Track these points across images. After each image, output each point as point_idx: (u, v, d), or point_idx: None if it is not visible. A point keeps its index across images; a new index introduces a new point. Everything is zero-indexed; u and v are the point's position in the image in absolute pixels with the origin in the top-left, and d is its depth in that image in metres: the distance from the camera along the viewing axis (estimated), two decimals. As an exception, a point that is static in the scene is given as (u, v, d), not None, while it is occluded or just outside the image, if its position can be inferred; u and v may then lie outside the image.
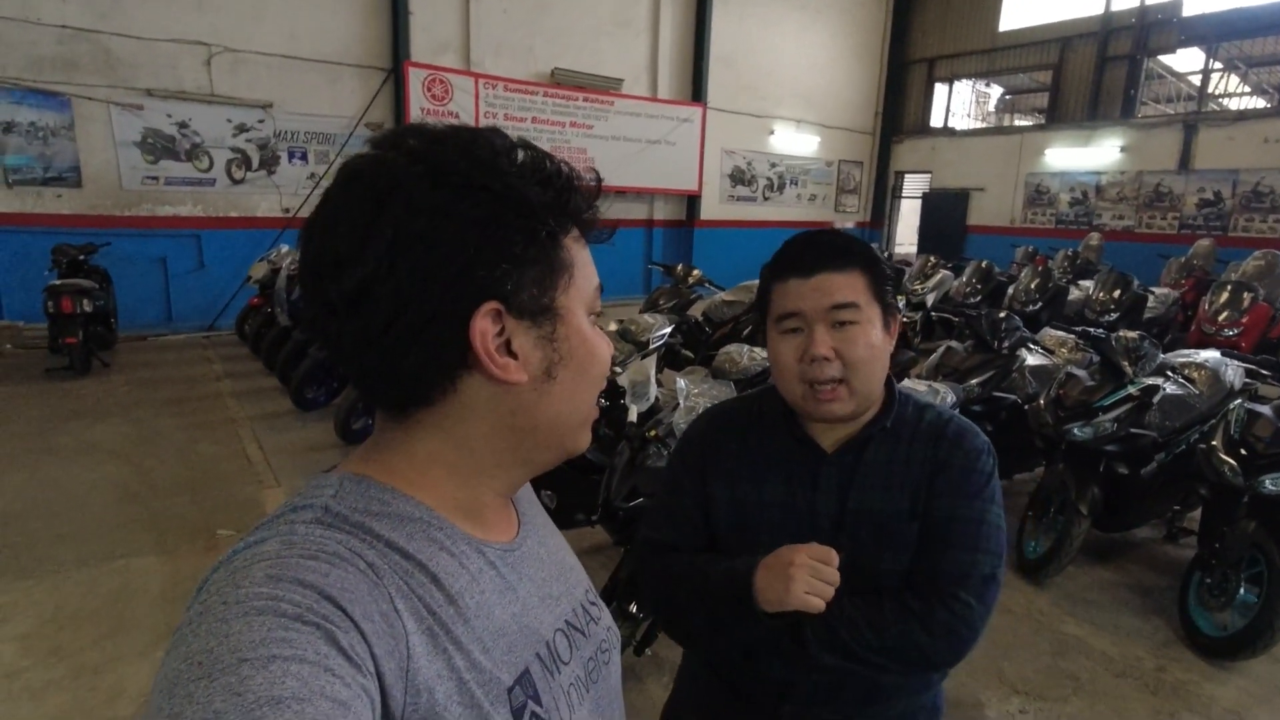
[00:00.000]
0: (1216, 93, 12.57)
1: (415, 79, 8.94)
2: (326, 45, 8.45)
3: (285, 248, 6.87)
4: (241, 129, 8.15)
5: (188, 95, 7.73)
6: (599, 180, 0.62)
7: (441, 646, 0.51)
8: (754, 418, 1.18)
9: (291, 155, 8.54)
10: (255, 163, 8.33)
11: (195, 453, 4.55)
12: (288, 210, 8.60)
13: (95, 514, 3.67)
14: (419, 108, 9.03)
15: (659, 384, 2.79)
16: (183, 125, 7.81)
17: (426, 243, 0.51)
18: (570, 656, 0.64)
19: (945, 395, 3.34)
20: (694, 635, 1.16)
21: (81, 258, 6.69)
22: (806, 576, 0.95)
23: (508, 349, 0.55)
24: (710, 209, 12.29)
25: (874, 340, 1.05)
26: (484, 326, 0.53)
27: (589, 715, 0.65)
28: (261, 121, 8.24)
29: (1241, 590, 2.89)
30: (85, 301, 6.03)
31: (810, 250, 1.08)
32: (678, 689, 1.30)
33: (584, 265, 0.60)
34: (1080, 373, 3.53)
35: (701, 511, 1.16)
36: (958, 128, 13.73)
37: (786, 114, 12.87)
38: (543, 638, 0.62)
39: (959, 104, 13.97)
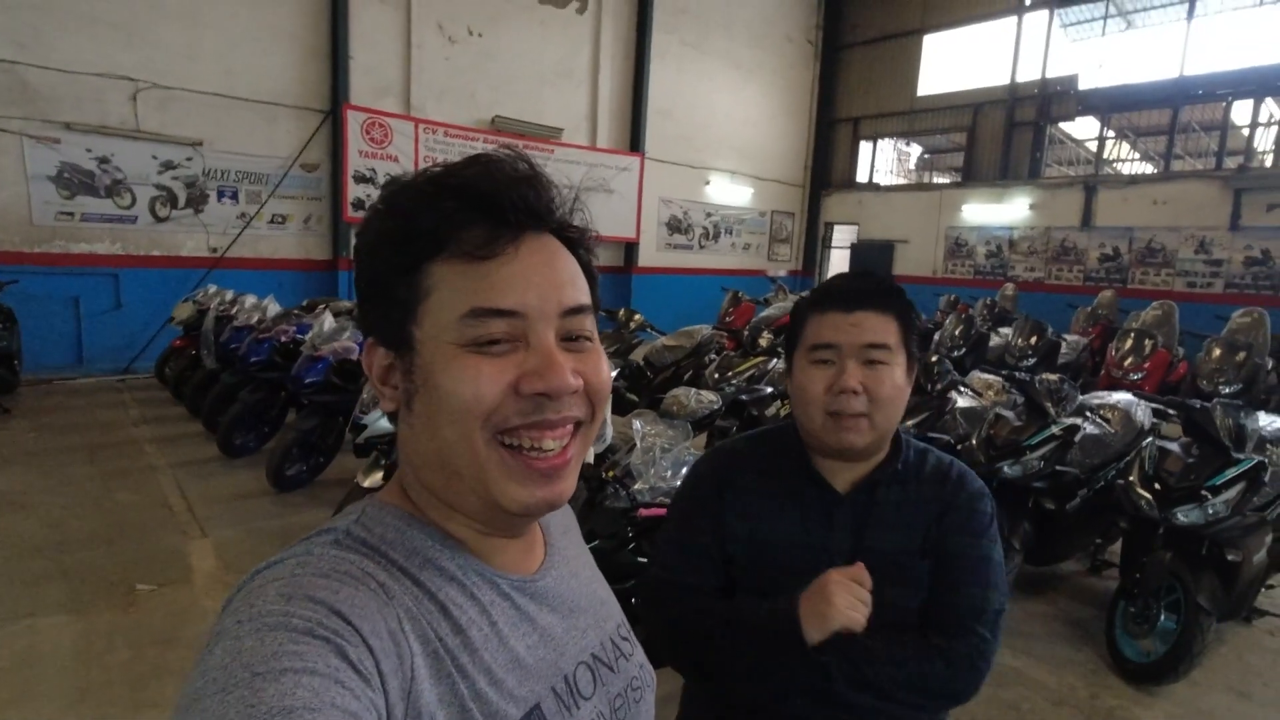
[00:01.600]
0: (1111, 158, 13.70)
1: (354, 121, 8.88)
2: (263, 85, 8.32)
3: (214, 288, 6.62)
4: (168, 166, 7.88)
5: (110, 130, 7.45)
6: (524, 175, 0.58)
7: (446, 673, 0.52)
8: (768, 457, 1.20)
9: (221, 194, 8.30)
10: (182, 201, 8.05)
11: (111, 502, 4.26)
12: (215, 250, 8.31)
13: (-4, 571, 3.38)
14: (357, 150, 8.96)
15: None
16: (103, 160, 7.50)
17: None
18: (593, 692, 0.63)
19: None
20: (725, 676, 1.12)
21: (-17, 296, 6.28)
22: (844, 593, 0.98)
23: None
24: (648, 256, 12.51)
25: (898, 381, 1.10)
26: (370, 358, 0.59)
27: None
28: (190, 159, 8.00)
29: (1162, 618, 3.06)
30: (-13, 342, 5.64)
31: (854, 288, 1.13)
32: None
33: (451, 291, 0.54)
34: (1008, 413, 3.72)
35: (719, 549, 1.16)
36: (882, 183, 14.49)
37: (722, 165, 13.33)
38: (562, 671, 0.61)
39: (882, 161, 14.76)
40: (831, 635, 0.98)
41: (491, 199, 0.55)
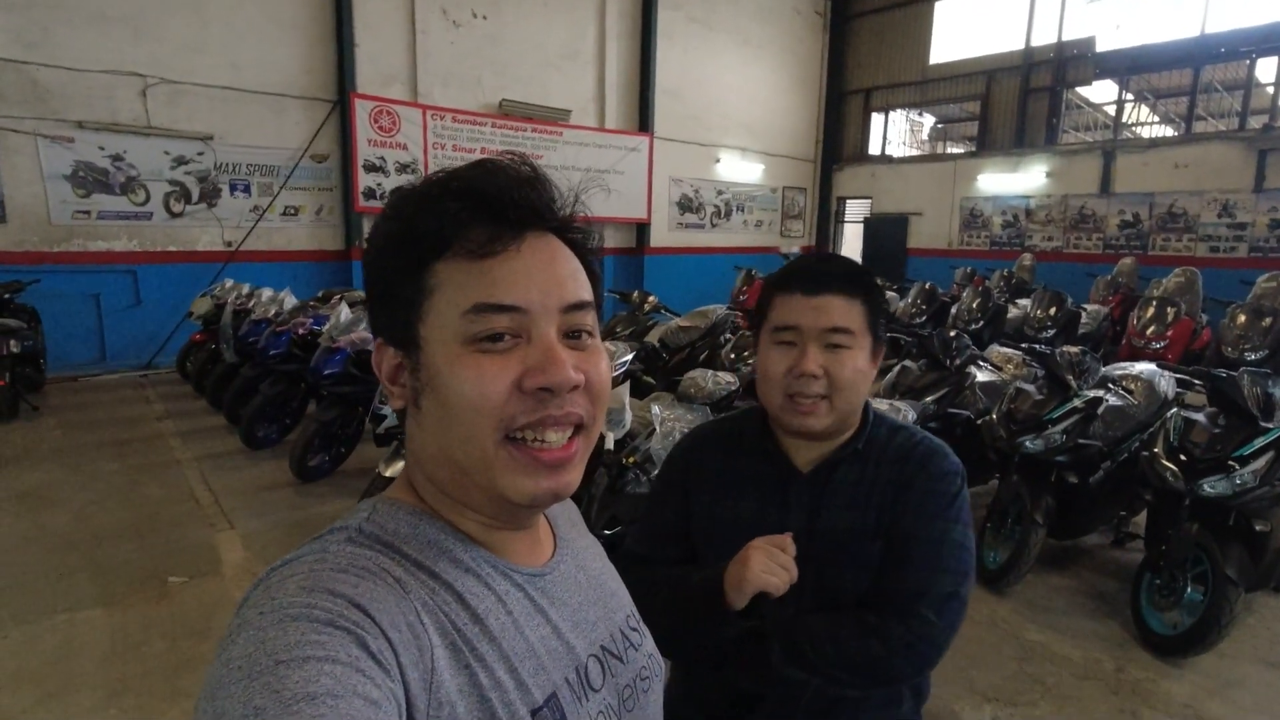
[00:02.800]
0: (1130, 122, 13.40)
1: (362, 110, 8.86)
2: (270, 77, 8.32)
3: (230, 282, 6.69)
4: (180, 161, 7.92)
5: (122, 127, 7.49)
6: (526, 177, 0.59)
7: (465, 662, 0.53)
8: (734, 438, 1.23)
9: (234, 188, 8.33)
10: (195, 195, 8.09)
11: (139, 497, 4.33)
12: (230, 244, 8.36)
13: (31, 566, 3.45)
14: (366, 139, 8.95)
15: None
16: (117, 158, 7.55)
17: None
18: (602, 683, 0.64)
19: (906, 413, 3.44)
20: (665, 640, 1.18)
21: (7, 296, 6.38)
22: (762, 557, 0.99)
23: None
24: (660, 236, 12.45)
25: (860, 365, 1.11)
26: (378, 356, 0.60)
27: None
28: (201, 154, 8.03)
29: (1189, 590, 3.04)
30: (12, 342, 5.73)
31: (819, 271, 1.13)
32: None
33: (455, 287, 0.55)
34: (1028, 387, 3.68)
35: (683, 525, 1.21)
36: (895, 155, 14.28)
37: (731, 143, 13.19)
38: (574, 663, 0.62)
39: (895, 133, 14.54)
40: (753, 601, 0.99)
41: (494, 199, 0.56)
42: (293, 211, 8.79)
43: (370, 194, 9.08)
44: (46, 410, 6.11)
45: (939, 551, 1.09)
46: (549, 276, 0.57)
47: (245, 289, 6.27)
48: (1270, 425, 3.02)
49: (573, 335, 0.59)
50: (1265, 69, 10.51)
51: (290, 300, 5.84)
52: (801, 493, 1.14)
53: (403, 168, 9.28)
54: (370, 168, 9.07)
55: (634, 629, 0.73)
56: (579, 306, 0.59)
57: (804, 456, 1.16)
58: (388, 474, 3.32)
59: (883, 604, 1.08)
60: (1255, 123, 10.20)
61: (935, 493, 1.12)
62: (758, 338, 1.19)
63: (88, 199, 7.45)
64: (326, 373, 4.47)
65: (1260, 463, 2.94)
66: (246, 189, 8.42)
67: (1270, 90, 10.60)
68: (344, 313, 4.89)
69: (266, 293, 5.96)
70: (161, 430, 5.72)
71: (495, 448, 0.56)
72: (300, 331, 5.07)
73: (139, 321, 7.96)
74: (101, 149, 7.43)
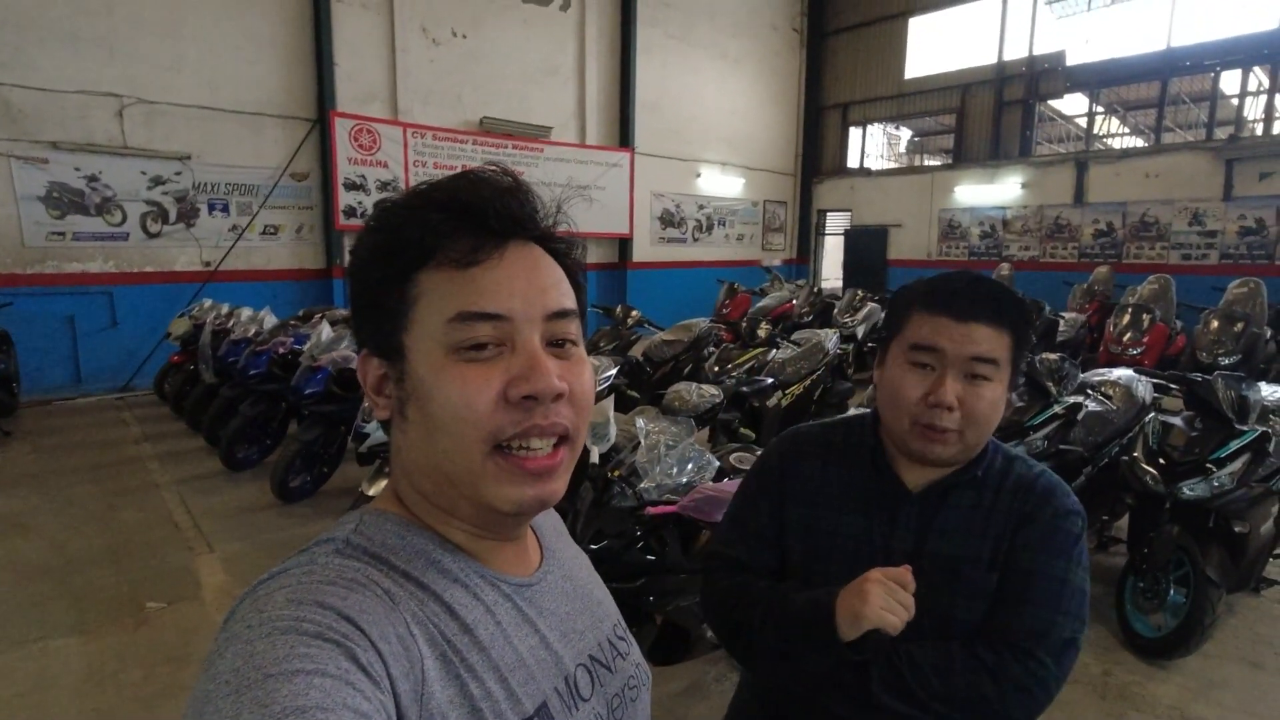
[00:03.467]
0: (1101, 133, 13.70)
1: (342, 129, 8.85)
2: (248, 95, 8.28)
3: (209, 302, 6.61)
4: (157, 181, 7.84)
5: (98, 148, 7.42)
6: (508, 187, 0.59)
7: (455, 673, 0.52)
8: (837, 447, 1.17)
9: (212, 207, 8.27)
10: (173, 216, 8.02)
11: (116, 521, 4.25)
12: (209, 264, 8.28)
13: (3, 595, 3.36)
14: (346, 157, 8.93)
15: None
16: (92, 179, 7.47)
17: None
18: (591, 693, 0.64)
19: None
20: (760, 657, 1.12)
21: (-21, 319, 6.26)
22: (882, 592, 0.93)
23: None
24: (642, 251, 12.50)
25: (998, 398, 1.04)
26: (364, 369, 0.60)
27: None
28: (179, 173, 7.96)
29: (1171, 592, 3.07)
30: (-16, 366, 5.62)
31: (971, 294, 1.04)
32: None
33: (442, 296, 0.56)
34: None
35: (776, 532, 1.15)
36: (873, 168, 14.46)
37: (712, 157, 13.30)
38: (563, 672, 0.62)
39: (872, 146, 14.74)
40: (865, 634, 0.94)
41: (476, 209, 0.57)
42: (272, 230, 8.73)
43: (351, 212, 9.04)
44: (20, 435, 5.99)
45: (1062, 592, 1.02)
46: (532, 284, 0.57)
47: (224, 309, 6.20)
48: (1245, 428, 3.07)
49: (556, 344, 0.59)
50: (1229, 81, 10.80)
51: (270, 319, 5.79)
52: (911, 514, 1.08)
53: (383, 185, 9.26)
54: (351, 186, 9.04)
55: (621, 638, 0.73)
56: (562, 314, 0.59)
57: (916, 477, 1.09)
58: (371, 493, 3.29)
59: (996, 641, 1.01)
60: (1221, 133, 10.46)
61: (1060, 530, 1.05)
62: (884, 351, 1.12)
63: (62, 220, 7.35)
64: (308, 392, 4.42)
65: (1237, 465, 2.99)
66: (225, 208, 8.36)
67: (1235, 102, 10.88)
68: (325, 331, 4.85)
69: (246, 312, 5.90)
70: (139, 453, 5.62)
71: (483, 459, 0.56)
72: (281, 351, 5.02)
73: (115, 343, 7.84)
74: (77, 170, 7.35)
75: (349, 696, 0.43)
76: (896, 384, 1.06)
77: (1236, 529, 2.98)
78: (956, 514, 1.07)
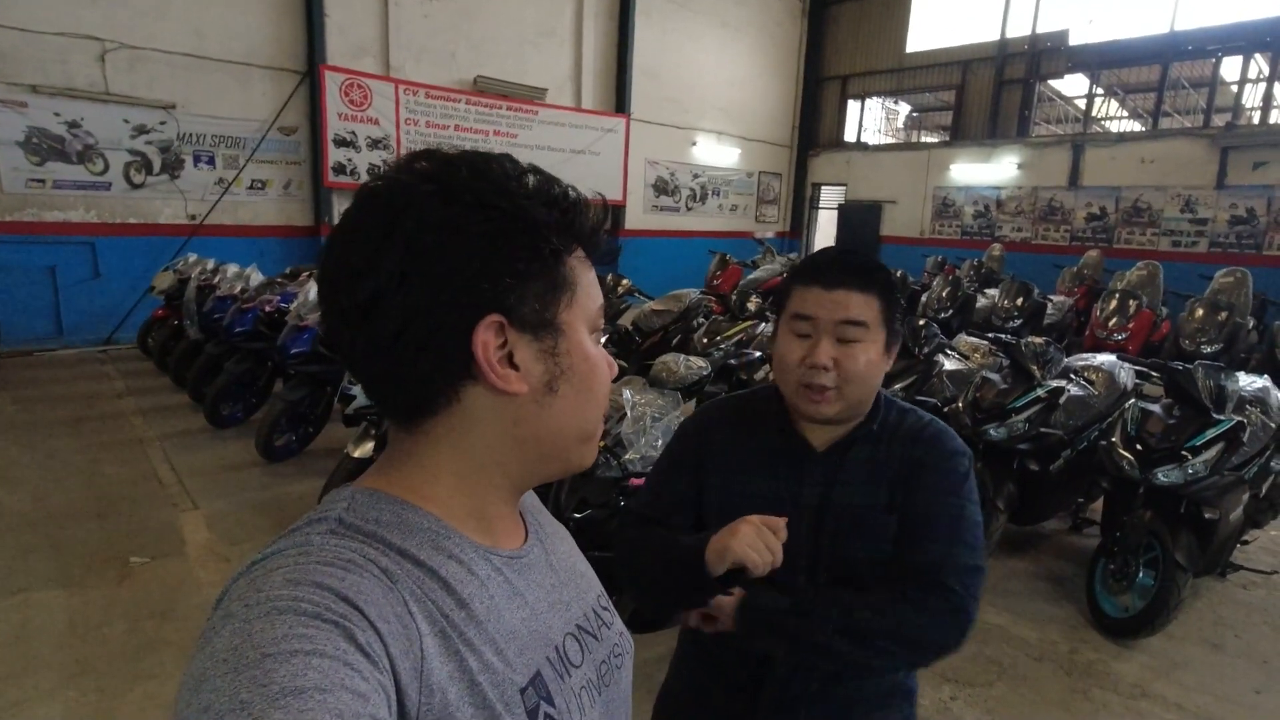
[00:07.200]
0: (1100, 116, 13.62)
1: (332, 83, 8.65)
2: (235, 45, 8.07)
3: (194, 256, 6.50)
4: (141, 130, 7.67)
5: (79, 93, 7.22)
6: (606, 205, 0.66)
7: (454, 649, 0.53)
8: (748, 415, 1.27)
9: (198, 159, 8.10)
10: (157, 166, 7.86)
11: (99, 475, 4.24)
12: (194, 217, 8.14)
13: (-15, 546, 3.37)
14: (336, 113, 8.75)
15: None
16: (73, 125, 7.29)
17: (434, 256, 0.54)
18: (581, 660, 0.66)
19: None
20: (646, 593, 1.23)
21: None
22: (751, 532, 1.00)
23: (510, 361, 0.58)
24: (635, 219, 12.40)
25: (872, 358, 1.14)
26: (486, 338, 0.56)
27: (600, 718, 0.67)
28: (163, 123, 7.78)
29: (1140, 574, 3.15)
30: (-37, 314, 5.54)
31: (838, 264, 1.16)
32: (671, 669, 1.36)
33: (588, 285, 0.62)
34: (994, 376, 3.75)
35: (693, 495, 1.24)
36: (870, 142, 14.34)
37: (708, 126, 13.14)
38: (553, 641, 0.63)
39: (870, 120, 14.59)
40: (732, 572, 1.01)
41: (591, 234, 0.63)
42: (260, 185, 8.58)
43: (340, 169, 8.90)
44: None
45: (958, 526, 1.13)
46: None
47: (210, 264, 6.11)
48: (1221, 417, 3.12)
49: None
50: (1230, 67, 10.75)
51: (257, 276, 5.71)
52: (815, 470, 1.18)
53: (374, 143, 9.10)
54: (341, 142, 8.88)
55: (605, 609, 0.75)
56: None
57: (820, 437, 1.20)
58: (356, 455, 3.29)
59: (910, 577, 1.11)
60: (1219, 120, 10.44)
61: (950, 471, 1.16)
62: (775, 326, 1.24)
63: (42, 167, 7.19)
64: (294, 351, 4.39)
65: (1211, 453, 3.04)
66: (211, 161, 8.19)
67: (1234, 89, 10.84)
68: (312, 290, 4.80)
69: (232, 268, 5.82)
70: (122, 408, 5.59)
71: (598, 426, 0.66)
72: (267, 309, 4.97)
73: (97, 295, 7.73)
74: (57, 115, 7.17)
75: (347, 677, 0.44)
76: (782, 351, 1.18)
77: (1207, 515, 3.04)
78: (857, 466, 1.18)
